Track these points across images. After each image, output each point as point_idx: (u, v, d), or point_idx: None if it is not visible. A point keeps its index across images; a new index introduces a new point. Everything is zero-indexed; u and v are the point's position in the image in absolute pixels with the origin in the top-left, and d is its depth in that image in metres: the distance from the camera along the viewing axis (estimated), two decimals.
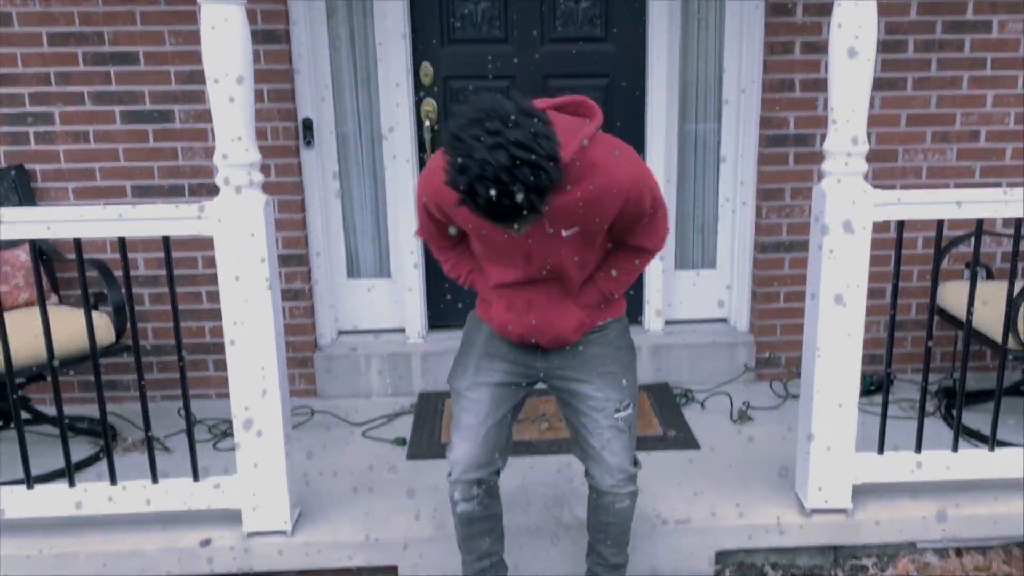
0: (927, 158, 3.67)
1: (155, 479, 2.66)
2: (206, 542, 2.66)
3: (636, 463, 2.33)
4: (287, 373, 2.70)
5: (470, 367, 2.35)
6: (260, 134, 3.35)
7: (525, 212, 1.76)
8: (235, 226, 2.45)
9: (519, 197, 1.72)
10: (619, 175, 1.98)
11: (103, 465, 2.69)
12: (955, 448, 2.79)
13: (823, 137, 2.59)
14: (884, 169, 3.65)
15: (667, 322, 3.99)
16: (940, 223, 2.62)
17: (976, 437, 3.16)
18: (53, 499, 2.65)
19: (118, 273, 2.92)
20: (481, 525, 2.39)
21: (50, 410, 3.17)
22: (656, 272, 3.90)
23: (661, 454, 3.18)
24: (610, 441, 2.28)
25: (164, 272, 2.56)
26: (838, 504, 2.74)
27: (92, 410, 3.12)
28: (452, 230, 2.21)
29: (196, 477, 2.67)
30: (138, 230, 2.48)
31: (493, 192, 1.71)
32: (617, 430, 2.29)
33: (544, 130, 1.74)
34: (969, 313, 2.71)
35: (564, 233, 2.03)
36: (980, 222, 2.63)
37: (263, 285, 2.49)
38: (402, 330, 3.93)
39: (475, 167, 1.70)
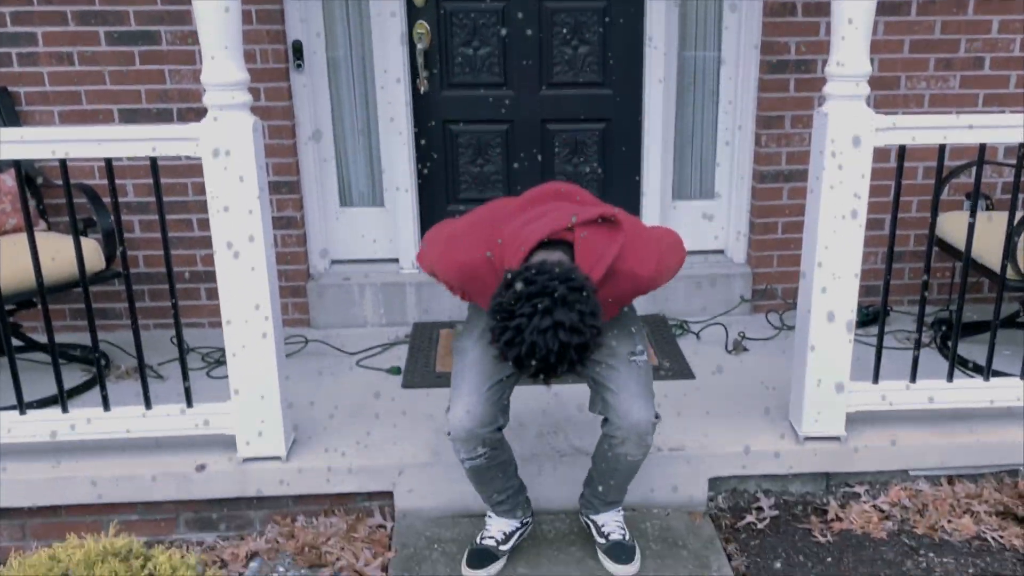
0: (930, 86, 3.60)
1: (148, 405, 2.65)
2: (201, 467, 2.66)
3: (657, 416, 2.32)
4: (280, 302, 2.67)
5: (477, 327, 2.34)
6: (248, 57, 3.25)
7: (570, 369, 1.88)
8: (222, 146, 2.39)
9: (561, 371, 1.86)
10: (638, 277, 2.11)
11: (96, 393, 2.67)
12: (950, 378, 2.79)
13: (825, 63, 2.52)
14: (886, 97, 3.59)
15: None
16: (942, 149, 2.58)
17: (971, 368, 3.16)
18: (46, 424, 2.64)
19: (107, 200, 2.87)
20: (491, 472, 2.41)
21: (42, 338, 3.15)
22: (653, 203, 3.86)
23: (656, 384, 3.11)
24: (628, 384, 2.28)
25: (154, 199, 2.50)
26: (832, 432, 2.75)
27: (84, 338, 3.09)
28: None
29: (190, 403, 2.66)
30: (124, 150, 2.42)
31: (539, 367, 1.84)
32: (636, 371, 2.30)
33: (592, 307, 1.85)
34: (968, 241, 2.69)
35: None
36: (983, 147, 2.59)
37: (253, 204, 2.45)
38: (396, 260, 3.90)
39: (525, 346, 1.82)
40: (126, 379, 3.28)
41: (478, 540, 2.53)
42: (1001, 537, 2.61)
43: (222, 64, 2.34)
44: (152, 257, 3.65)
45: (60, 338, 3.00)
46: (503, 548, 2.51)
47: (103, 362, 3.10)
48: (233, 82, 2.36)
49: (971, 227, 2.68)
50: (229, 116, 2.38)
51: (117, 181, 2.56)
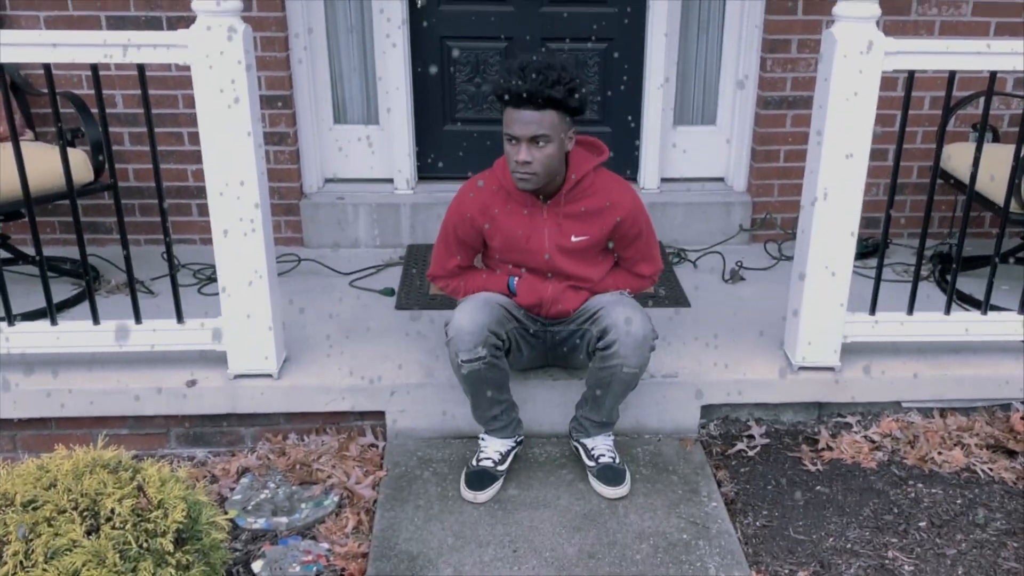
0: (941, 12, 3.50)
1: (138, 319, 2.62)
2: (192, 383, 2.65)
3: (655, 334, 2.40)
4: (271, 219, 2.62)
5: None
6: None
7: (550, 94, 2.21)
8: (212, 51, 2.31)
9: (552, 76, 2.20)
10: (619, 198, 2.47)
11: (86, 307, 2.63)
12: (947, 311, 2.77)
13: None
14: (896, 23, 3.49)
15: (663, 180, 3.90)
16: (951, 75, 2.51)
17: (969, 302, 3.14)
18: (34, 336, 2.61)
19: (96, 111, 2.79)
20: (488, 381, 2.41)
21: (31, 251, 3.10)
22: (654, 127, 3.78)
23: (652, 311, 3.13)
24: (620, 304, 2.42)
25: (143, 110, 2.43)
26: (826, 362, 2.74)
27: (74, 252, 3.04)
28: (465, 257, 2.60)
29: (180, 319, 2.63)
30: (111, 55, 2.33)
31: (534, 67, 2.22)
32: (629, 298, 2.50)
33: (572, 70, 2.29)
34: (974, 171, 2.64)
35: (573, 239, 2.46)
36: (993, 75, 2.52)
37: (243, 109, 2.38)
38: (390, 180, 3.83)
39: (523, 58, 2.25)
40: (116, 294, 3.25)
41: (474, 462, 2.53)
42: (990, 470, 2.62)
43: None
44: (142, 171, 3.58)
45: (50, 252, 2.95)
46: (500, 468, 2.51)
47: (92, 275, 3.07)
48: None
49: (977, 158, 2.63)
50: (219, 21, 2.29)
51: (105, 92, 2.49)
